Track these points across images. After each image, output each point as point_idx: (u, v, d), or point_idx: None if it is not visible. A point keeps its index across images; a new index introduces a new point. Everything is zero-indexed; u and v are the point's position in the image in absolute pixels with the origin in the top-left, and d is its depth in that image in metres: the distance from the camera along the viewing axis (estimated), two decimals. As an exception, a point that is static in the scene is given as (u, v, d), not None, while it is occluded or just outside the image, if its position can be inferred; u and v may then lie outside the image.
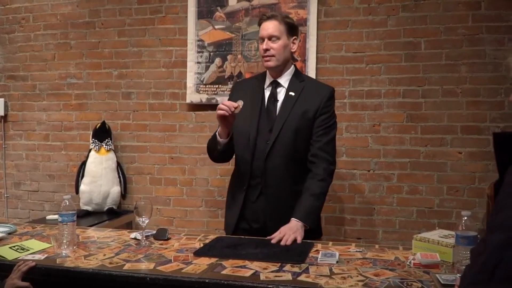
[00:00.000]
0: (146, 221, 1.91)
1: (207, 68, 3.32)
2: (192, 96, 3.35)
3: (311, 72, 3.08)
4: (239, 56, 3.26)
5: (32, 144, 3.74)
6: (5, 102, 3.75)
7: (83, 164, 3.42)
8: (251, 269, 1.59)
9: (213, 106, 3.13)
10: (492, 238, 0.95)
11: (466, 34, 2.93)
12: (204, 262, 1.67)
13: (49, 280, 1.69)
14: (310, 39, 3.11)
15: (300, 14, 3.12)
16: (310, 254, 1.77)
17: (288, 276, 1.53)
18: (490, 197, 2.73)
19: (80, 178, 3.40)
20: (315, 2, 3.10)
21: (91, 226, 2.81)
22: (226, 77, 3.29)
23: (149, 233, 2.04)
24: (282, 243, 1.89)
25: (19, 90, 3.75)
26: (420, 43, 3.00)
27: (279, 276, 1.53)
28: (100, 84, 3.57)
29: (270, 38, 2.14)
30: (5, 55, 3.77)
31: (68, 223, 1.81)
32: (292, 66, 2.25)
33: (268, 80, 2.24)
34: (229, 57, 3.28)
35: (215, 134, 2.22)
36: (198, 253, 1.78)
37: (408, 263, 1.66)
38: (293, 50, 2.22)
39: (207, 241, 1.97)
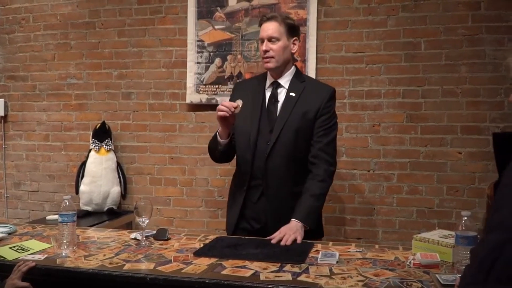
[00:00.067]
0: (146, 221, 1.91)
1: (207, 68, 3.32)
2: (192, 96, 3.35)
3: (311, 72, 3.08)
4: (239, 56, 3.26)
5: (32, 145, 3.74)
6: (5, 103, 3.75)
7: (83, 164, 3.42)
8: (251, 269, 1.59)
9: (213, 106, 3.13)
10: (489, 238, 0.96)
11: (466, 34, 2.93)
12: (204, 262, 1.68)
13: (49, 280, 1.69)
14: (310, 39, 3.11)
15: (300, 14, 3.12)
16: (310, 254, 1.77)
17: (288, 276, 1.53)
18: (490, 197, 2.73)
19: (80, 178, 3.40)
20: (315, 2, 3.10)
21: (91, 226, 2.81)
22: (226, 77, 3.29)
23: (149, 233, 2.03)
24: (282, 243, 1.89)
25: (19, 90, 3.74)
26: (420, 43, 3.00)
27: (279, 276, 1.53)
28: (100, 85, 3.57)
29: (269, 39, 2.13)
30: (5, 55, 3.77)
31: (68, 223, 1.81)
32: (293, 66, 2.24)
33: (268, 81, 2.24)
34: (229, 57, 3.28)
35: (215, 135, 2.22)
36: (198, 253, 1.79)
37: (408, 263, 1.66)
38: (293, 51, 2.20)
39: (207, 241, 1.97)
